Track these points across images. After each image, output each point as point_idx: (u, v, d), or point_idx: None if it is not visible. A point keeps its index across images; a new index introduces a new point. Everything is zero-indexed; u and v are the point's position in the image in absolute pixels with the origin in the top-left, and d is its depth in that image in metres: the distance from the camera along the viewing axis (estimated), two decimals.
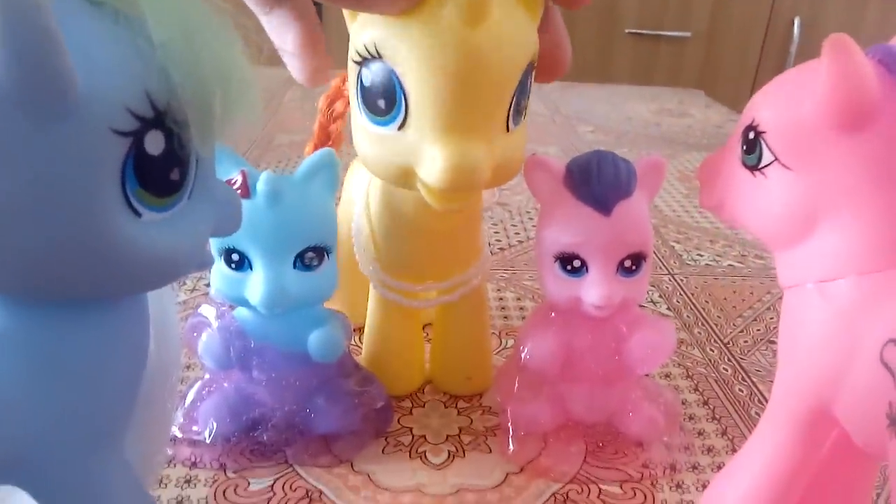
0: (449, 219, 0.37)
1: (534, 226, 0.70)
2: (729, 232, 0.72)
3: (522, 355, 0.38)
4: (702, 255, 0.67)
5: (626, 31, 1.90)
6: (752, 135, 0.30)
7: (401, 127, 0.30)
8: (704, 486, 0.37)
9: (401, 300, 0.40)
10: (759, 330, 0.54)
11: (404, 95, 0.30)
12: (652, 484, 0.38)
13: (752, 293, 0.60)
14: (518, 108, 0.32)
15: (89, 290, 0.22)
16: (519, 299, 0.56)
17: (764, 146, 0.30)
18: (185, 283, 0.55)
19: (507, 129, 0.32)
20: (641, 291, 0.38)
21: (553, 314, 0.39)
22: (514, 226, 0.71)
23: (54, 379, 0.23)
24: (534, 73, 0.33)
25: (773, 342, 0.52)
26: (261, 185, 0.34)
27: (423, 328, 0.47)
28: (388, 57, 0.29)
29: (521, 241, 0.67)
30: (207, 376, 0.39)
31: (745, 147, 0.31)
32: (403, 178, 0.32)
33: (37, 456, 0.23)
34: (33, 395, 0.22)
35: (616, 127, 1.08)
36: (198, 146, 0.22)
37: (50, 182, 0.19)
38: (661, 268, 0.63)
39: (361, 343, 0.44)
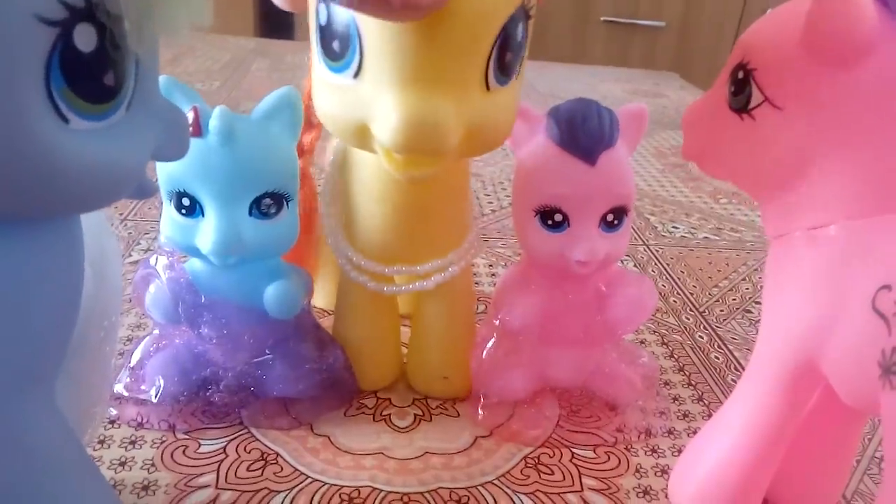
0: (418, 191, 0.32)
1: (507, 195, 0.68)
2: (704, 206, 0.71)
3: (500, 317, 0.36)
4: (677, 228, 0.65)
5: (602, 18, 1.89)
6: (741, 74, 0.28)
7: (356, 75, 0.27)
8: (680, 451, 0.36)
9: (366, 283, 0.35)
10: (734, 300, 0.53)
11: (359, 37, 0.26)
12: (626, 448, 0.36)
13: (727, 264, 0.59)
14: (502, 65, 0.27)
15: (14, 204, 0.19)
16: (491, 266, 0.54)
17: (753, 86, 0.28)
18: (139, 244, 0.52)
19: (487, 88, 0.28)
20: (622, 248, 0.36)
21: (531, 273, 0.37)
22: (488, 195, 0.69)
23: None
24: (530, 24, 0.28)
25: (750, 312, 0.51)
26: (213, 122, 0.31)
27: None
28: None
29: (493, 211, 0.65)
30: (157, 332, 0.36)
31: (733, 88, 0.29)
32: (360, 136, 0.28)
33: None
34: None
35: None
36: (136, 47, 0.20)
37: None
38: (636, 238, 0.62)
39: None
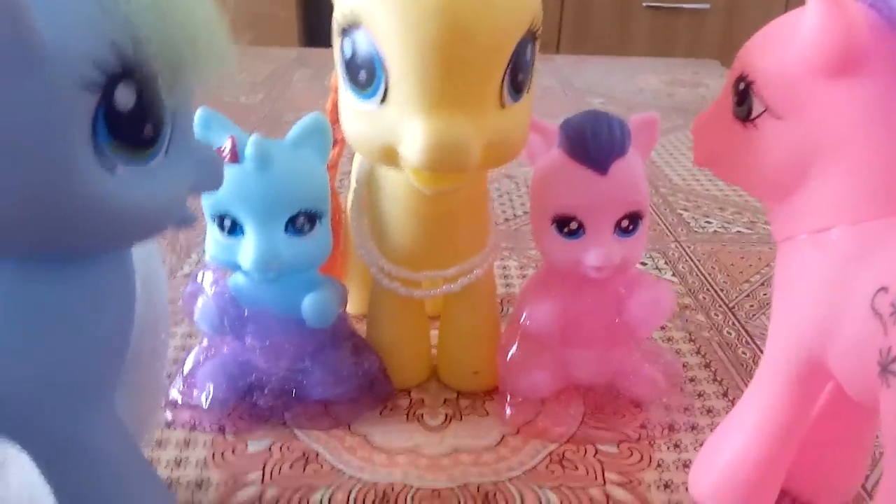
0: (443, 202, 0.35)
1: None
2: (739, 199, 0.71)
3: (521, 321, 0.38)
4: (710, 223, 0.66)
5: (644, 4, 1.86)
6: (742, 85, 0.30)
7: (382, 101, 0.29)
8: (702, 446, 0.37)
9: (398, 289, 0.38)
10: (765, 294, 0.53)
11: (383, 67, 0.28)
12: (650, 444, 0.38)
13: (760, 258, 0.59)
14: (515, 83, 0.30)
15: (70, 243, 0.22)
16: (522, 268, 0.56)
17: (754, 96, 0.29)
18: (190, 256, 0.56)
19: (502, 106, 0.30)
20: (639, 252, 0.37)
21: (551, 278, 0.38)
22: (521, 196, 0.71)
23: (41, 331, 0.23)
24: (536, 44, 0.30)
25: None
26: (249, 149, 0.34)
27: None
28: (367, 24, 0.28)
29: (525, 213, 0.67)
30: (206, 342, 0.39)
31: (735, 99, 0.30)
32: (387, 157, 0.31)
33: (27, 408, 0.24)
34: (20, 347, 0.23)
35: (628, 98, 1.07)
36: (171, 100, 0.22)
37: (20, 136, 0.19)
38: (667, 235, 0.63)
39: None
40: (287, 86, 1.11)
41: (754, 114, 0.29)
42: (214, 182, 0.27)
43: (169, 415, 0.38)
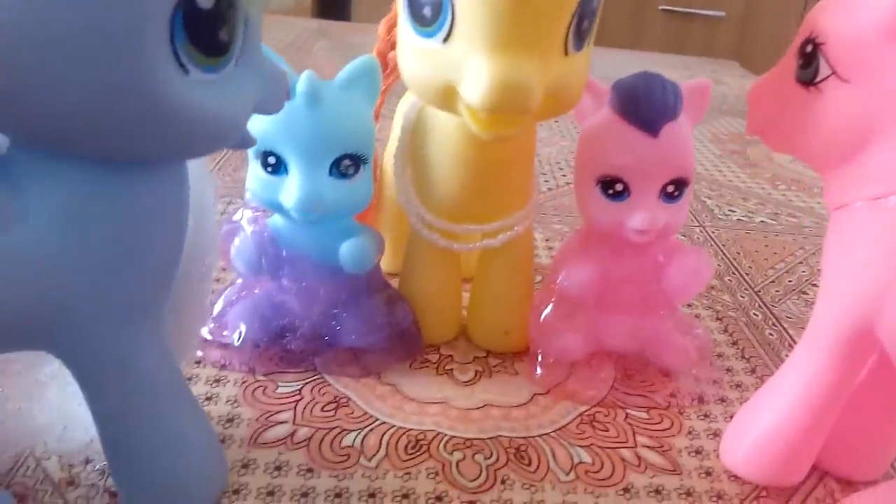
0: (493, 152, 0.34)
1: (563, 175, 0.70)
2: (762, 192, 0.71)
3: (558, 282, 0.38)
4: (734, 211, 0.66)
5: (660, 7, 1.86)
6: (809, 48, 0.29)
7: (446, 39, 0.29)
8: (732, 418, 0.37)
9: (437, 240, 0.38)
10: (790, 282, 0.53)
11: (451, 3, 0.28)
12: (679, 412, 0.37)
13: (784, 248, 0.59)
14: (580, 31, 0.29)
15: (138, 147, 0.22)
16: (548, 240, 0.56)
17: (821, 59, 0.29)
18: (223, 197, 0.55)
19: (566, 53, 0.30)
20: (681, 219, 0.37)
21: (591, 241, 0.38)
22: (544, 174, 0.70)
23: (95, 238, 0.23)
24: None
25: (806, 293, 0.51)
26: (301, 86, 0.33)
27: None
28: None
29: (550, 189, 0.67)
30: (239, 282, 0.39)
31: (801, 61, 0.30)
32: (446, 98, 0.30)
33: (75, 318, 0.23)
34: (74, 253, 0.22)
35: None
36: (247, 6, 0.22)
37: (102, 34, 0.19)
38: (692, 220, 0.62)
39: None
40: (308, 55, 1.10)
41: (819, 77, 0.29)
42: (278, 102, 0.27)
43: (199, 352, 0.38)
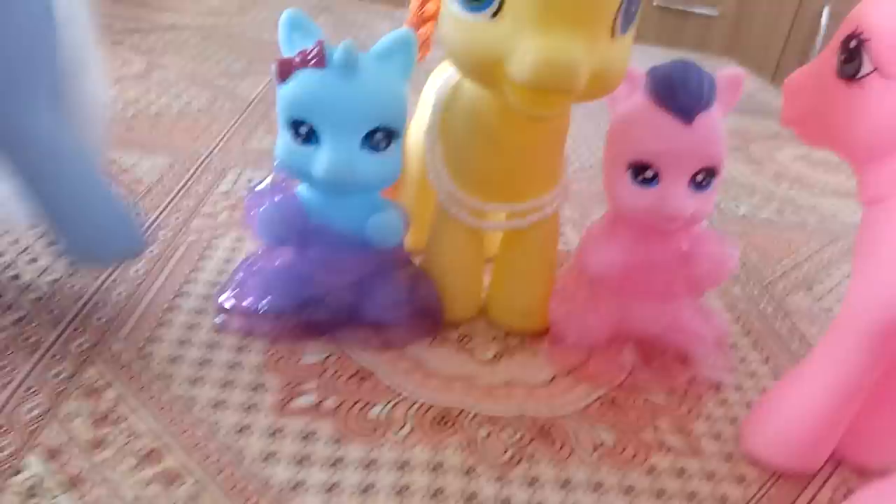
0: (529, 131, 0.34)
1: (578, 160, 0.70)
2: (765, 188, 0.72)
3: (583, 263, 0.38)
4: (739, 207, 0.66)
5: (654, 2, 1.86)
6: (853, 43, 0.30)
7: (495, 14, 0.29)
8: (748, 405, 0.38)
9: (466, 218, 0.38)
10: (797, 277, 0.54)
11: None
12: (697, 397, 0.38)
13: (790, 244, 0.59)
14: (628, 13, 0.29)
15: None
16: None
17: (865, 55, 0.29)
18: (226, 176, 0.54)
19: (613, 35, 0.30)
20: (709, 208, 0.37)
21: (617, 226, 0.38)
22: None
23: None
24: None
25: (812, 289, 0.52)
26: (339, 55, 0.33)
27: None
28: None
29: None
30: (260, 252, 0.39)
31: (843, 56, 0.30)
32: (490, 73, 0.30)
33: None
34: None
35: None
36: None
37: None
38: None
39: None
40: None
41: (862, 72, 0.29)
42: None
43: (221, 319, 0.37)
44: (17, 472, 0.27)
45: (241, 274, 0.39)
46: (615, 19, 0.29)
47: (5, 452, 0.28)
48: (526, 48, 0.28)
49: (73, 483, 0.27)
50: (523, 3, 0.28)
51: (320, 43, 0.33)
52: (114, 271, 0.40)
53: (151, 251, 0.42)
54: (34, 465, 0.28)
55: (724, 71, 0.37)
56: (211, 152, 0.57)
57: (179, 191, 0.50)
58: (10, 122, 0.30)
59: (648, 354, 0.40)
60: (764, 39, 1.88)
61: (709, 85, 0.35)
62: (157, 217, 0.46)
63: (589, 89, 0.30)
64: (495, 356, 0.39)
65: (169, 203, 0.48)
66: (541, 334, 0.41)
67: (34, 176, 0.31)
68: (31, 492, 0.26)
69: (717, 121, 0.36)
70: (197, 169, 0.53)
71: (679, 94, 0.34)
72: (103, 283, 0.39)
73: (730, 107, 0.37)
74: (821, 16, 1.85)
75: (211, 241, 0.44)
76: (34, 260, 0.39)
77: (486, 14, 0.29)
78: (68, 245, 0.34)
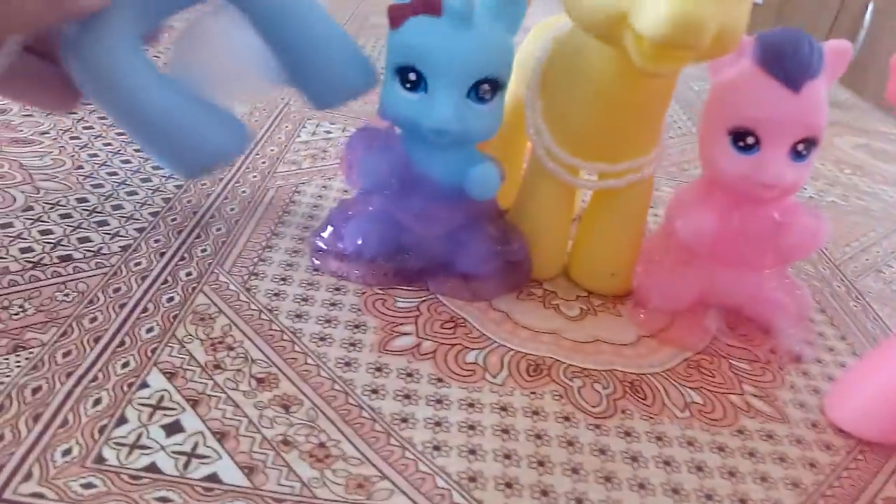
0: (642, 90, 0.34)
1: None
2: (829, 173, 0.71)
3: (676, 225, 0.38)
4: (804, 190, 0.66)
5: None
6: None
7: None
8: (830, 378, 0.38)
9: (562, 174, 0.38)
10: (867, 260, 0.54)
11: None
12: (780, 367, 0.38)
13: (856, 228, 0.59)
14: None
15: None
16: None
17: None
18: (305, 126, 0.55)
19: None
20: (804, 179, 0.37)
21: (711, 191, 0.38)
22: None
23: None
24: None
25: (882, 272, 0.52)
26: (454, 2, 0.33)
27: None
28: None
29: None
30: (352, 196, 0.39)
31: None
32: (611, 27, 0.30)
33: None
34: None
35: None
36: None
37: None
38: None
39: None
40: None
41: None
42: None
43: (316, 261, 0.38)
44: (144, 386, 0.28)
45: (335, 218, 0.39)
46: None
47: (130, 367, 0.29)
48: (657, 2, 0.28)
49: (196, 401, 0.28)
50: None
51: None
52: (209, 207, 0.41)
53: (244, 191, 0.43)
54: (157, 380, 0.29)
55: (831, 42, 0.37)
56: (288, 102, 0.58)
57: (263, 136, 0.50)
58: None
59: (731, 322, 0.41)
60: (807, 29, 1.85)
61: (818, 54, 0.35)
62: (245, 162, 0.47)
63: (712, 47, 0.30)
64: (580, 313, 0.39)
65: (253, 149, 0.49)
66: (623, 297, 0.41)
67: (276, 11, 0.34)
68: (159, 404, 0.28)
69: (821, 91, 0.36)
70: (277, 117, 0.54)
71: (788, 62, 0.34)
72: (202, 217, 0.40)
73: (834, 78, 0.37)
74: (866, 10, 1.81)
75: (298, 187, 0.45)
76: (134, 192, 0.40)
77: None
78: (312, 91, 0.37)
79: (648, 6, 0.28)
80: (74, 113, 0.45)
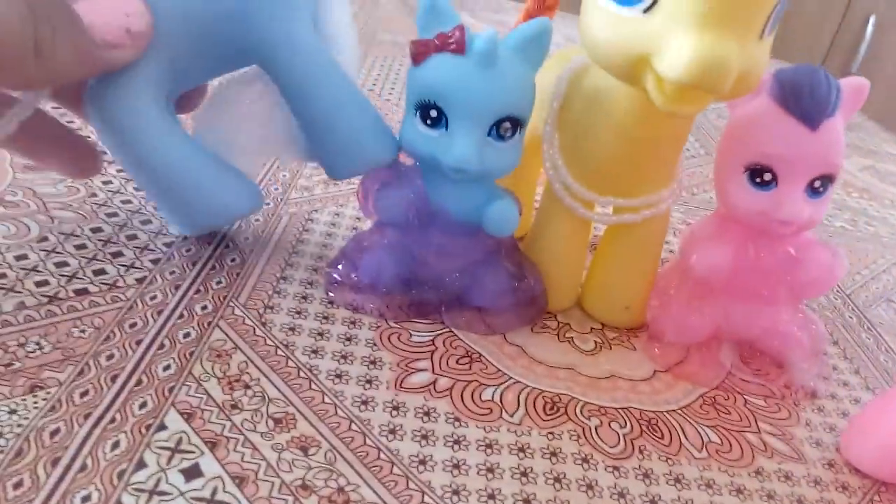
0: (663, 126, 0.34)
1: None
2: (836, 197, 0.71)
3: (691, 260, 0.38)
4: None
5: None
6: None
7: (647, 9, 0.29)
8: (844, 414, 0.38)
9: (577, 209, 0.38)
10: (877, 288, 0.54)
11: None
12: (794, 403, 0.38)
13: (866, 255, 0.59)
14: (777, 14, 0.30)
15: None
16: None
17: None
18: None
19: (761, 36, 0.30)
20: (821, 215, 0.37)
21: (726, 226, 0.38)
22: None
23: None
24: None
25: (893, 301, 0.52)
26: (480, 43, 0.33)
27: None
28: None
29: None
30: (367, 226, 0.39)
31: None
32: (633, 68, 0.30)
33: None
34: None
35: None
36: None
37: None
38: None
39: None
40: (375, 6, 1.09)
41: None
42: None
43: (331, 293, 0.38)
44: (162, 428, 0.28)
45: (350, 249, 0.39)
46: (767, 20, 0.29)
47: (147, 408, 0.29)
48: (680, 45, 0.28)
49: (214, 443, 0.28)
50: (680, 1, 0.28)
51: (461, 28, 0.33)
52: (224, 236, 0.40)
53: (257, 220, 0.43)
54: (175, 421, 0.28)
55: (848, 79, 0.37)
56: None
57: (275, 161, 0.50)
58: (283, 25, 0.33)
59: (744, 356, 0.40)
60: (808, 41, 1.85)
61: (835, 92, 0.35)
62: (260, 184, 0.46)
63: (733, 88, 0.30)
64: (595, 347, 0.39)
65: (267, 173, 0.49)
66: (636, 329, 0.41)
67: (300, 80, 0.34)
68: (178, 447, 0.27)
69: (839, 128, 0.36)
70: None
71: (806, 100, 0.34)
72: (216, 247, 0.39)
73: (851, 114, 0.37)
74: (867, 24, 1.82)
75: (311, 214, 0.45)
76: (148, 221, 0.40)
77: (639, 8, 0.29)
78: (330, 161, 0.37)
79: (672, 49, 0.28)
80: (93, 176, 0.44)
